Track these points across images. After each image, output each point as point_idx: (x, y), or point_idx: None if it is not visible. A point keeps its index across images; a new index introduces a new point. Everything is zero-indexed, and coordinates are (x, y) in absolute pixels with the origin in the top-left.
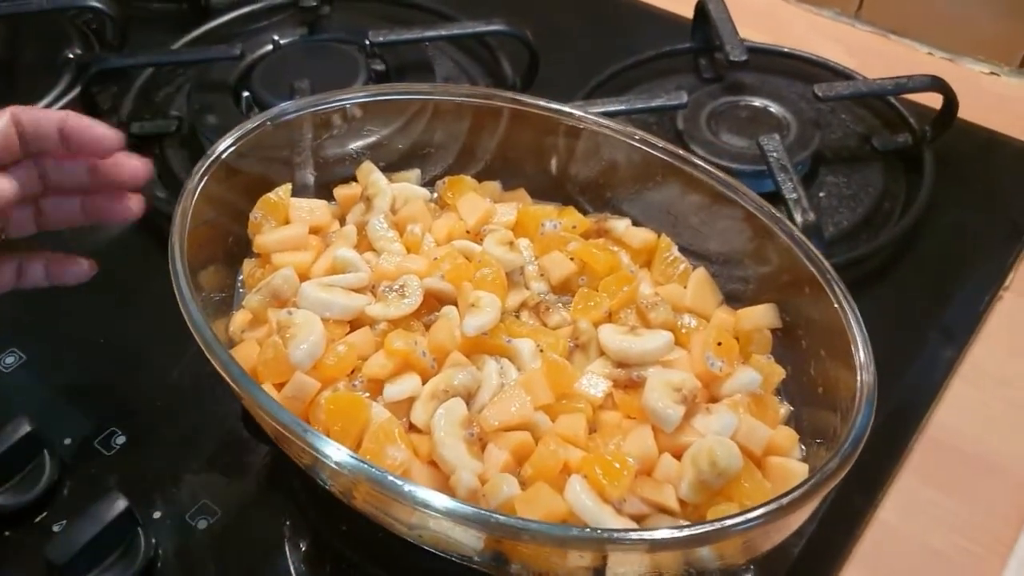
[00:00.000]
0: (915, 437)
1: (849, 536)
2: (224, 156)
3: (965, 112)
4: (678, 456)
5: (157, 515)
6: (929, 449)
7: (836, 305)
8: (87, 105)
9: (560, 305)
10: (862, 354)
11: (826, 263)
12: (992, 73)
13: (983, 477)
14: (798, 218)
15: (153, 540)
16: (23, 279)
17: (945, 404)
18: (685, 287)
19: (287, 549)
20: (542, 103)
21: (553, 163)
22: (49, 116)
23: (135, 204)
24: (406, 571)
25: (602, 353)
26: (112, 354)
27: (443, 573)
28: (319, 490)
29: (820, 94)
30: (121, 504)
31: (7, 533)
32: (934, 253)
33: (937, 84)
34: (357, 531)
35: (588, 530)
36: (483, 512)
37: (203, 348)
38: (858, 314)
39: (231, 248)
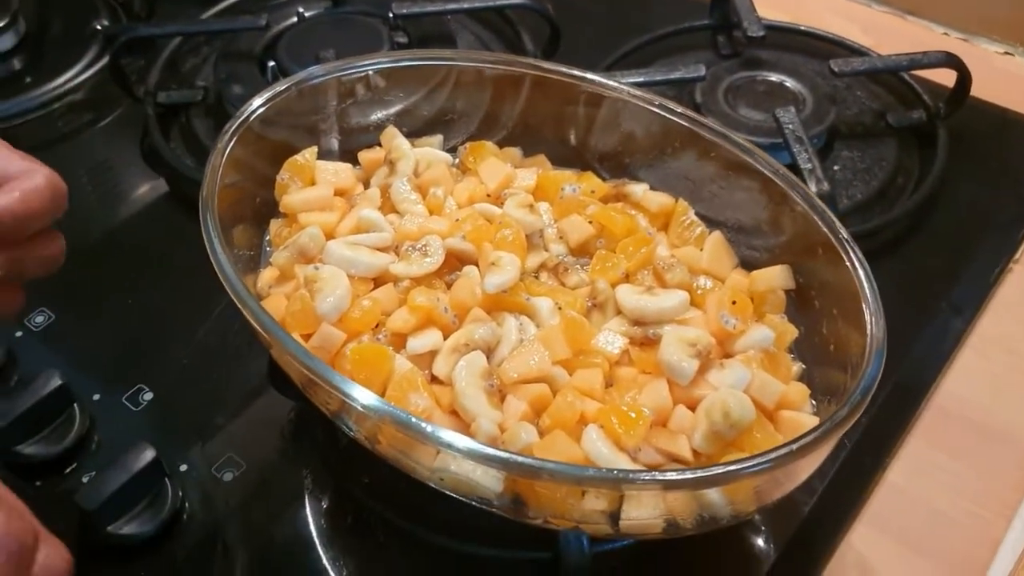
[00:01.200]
0: (923, 404)
1: (858, 496)
2: (254, 117)
3: (979, 90)
4: (692, 409)
5: (184, 467)
6: (937, 416)
7: (848, 264)
8: (116, 74)
9: (578, 266)
10: (872, 309)
11: (839, 224)
12: (1007, 53)
13: (990, 444)
14: (812, 187)
15: (180, 491)
16: None
17: (954, 373)
18: (701, 250)
19: (310, 500)
20: (563, 69)
21: (573, 131)
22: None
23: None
24: (427, 520)
25: (619, 313)
26: (140, 315)
27: (462, 523)
28: (342, 443)
29: (836, 69)
30: (149, 454)
31: (38, 483)
32: (946, 227)
33: (951, 60)
34: (379, 482)
35: (604, 470)
36: (503, 452)
37: (233, 299)
38: (869, 272)
39: (258, 209)
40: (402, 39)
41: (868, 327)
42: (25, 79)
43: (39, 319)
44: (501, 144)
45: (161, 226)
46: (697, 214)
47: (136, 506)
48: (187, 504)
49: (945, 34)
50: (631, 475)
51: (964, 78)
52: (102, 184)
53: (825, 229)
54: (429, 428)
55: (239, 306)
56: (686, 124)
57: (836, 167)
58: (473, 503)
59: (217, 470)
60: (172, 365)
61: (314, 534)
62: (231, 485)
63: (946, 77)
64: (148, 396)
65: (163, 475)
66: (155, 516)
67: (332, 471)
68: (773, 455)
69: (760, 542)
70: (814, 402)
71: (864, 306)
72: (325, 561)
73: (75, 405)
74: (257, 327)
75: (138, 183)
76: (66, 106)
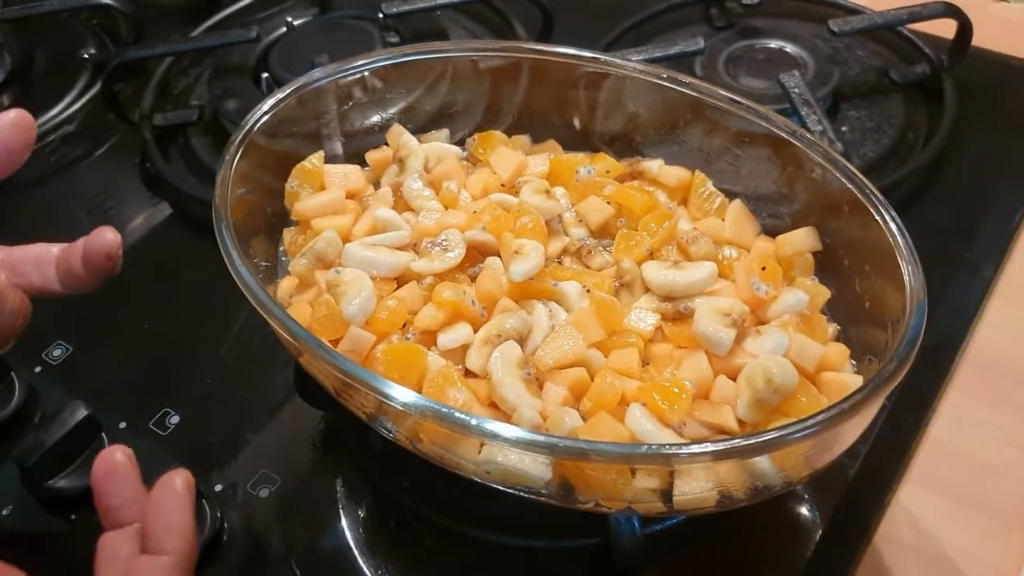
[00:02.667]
0: (959, 356)
1: (903, 455)
2: (259, 126)
3: (978, 40)
4: (733, 378)
5: (219, 488)
6: (973, 368)
7: (877, 217)
8: (109, 100)
9: (601, 248)
10: (908, 262)
11: (865, 180)
12: (1002, 0)
13: None
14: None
15: (218, 512)
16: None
17: (985, 324)
18: (723, 220)
19: (351, 508)
20: (567, 51)
21: (579, 114)
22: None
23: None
24: (471, 517)
25: (647, 290)
26: (157, 338)
27: (508, 517)
28: (376, 449)
29: (836, 29)
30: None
31: (73, 516)
32: (961, 179)
33: (951, 11)
34: (418, 484)
35: (655, 446)
36: (552, 437)
37: (259, 310)
38: (900, 223)
39: (270, 220)
40: (394, 39)
41: (907, 280)
42: None
43: (56, 352)
44: (508, 133)
45: (168, 249)
46: (714, 186)
47: None
48: (226, 525)
49: None
50: (683, 449)
51: (965, 27)
52: (104, 213)
53: (851, 186)
54: (474, 420)
55: (265, 316)
56: (696, 95)
57: (844, 128)
58: (521, 493)
59: (252, 487)
60: (195, 386)
61: (354, 543)
62: (268, 501)
63: (945, 29)
64: (175, 420)
65: (200, 497)
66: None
67: (369, 477)
68: (825, 415)
69: (808, 510)
70: (854, 362)
71: (900, 259)
72: (368, 570)
73: (103, 435)
74: (286, 336)
75: (140, 208)
76: (60, 138)
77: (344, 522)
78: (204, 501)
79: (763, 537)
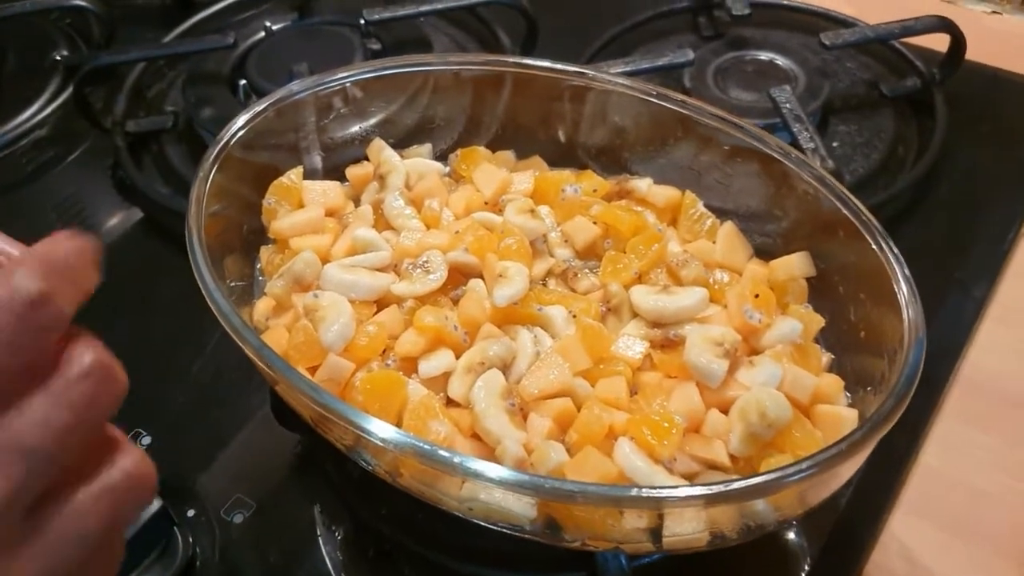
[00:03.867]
0: (951, 379)
1: (895, 482)
2: (235, 140)
3: (971, 53)
4: (725, 411)
5: (191, 513)
6: (966, 391)
7: (874, 245)
8: (80, 106)
9: (587, 270)
10: (905, 291)
11: (859, 203)
12: (994, 12)
13: (1022, 412)
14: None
15: (191, 538)
16: None
17: (978, 345)
18: (714, 242)
19: (327, 536)
20: (549, 64)
21: (564, 129)
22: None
23: None
24: (451, 548)
25: (635, 315)
26: (126, 355)
27: (489, 549)
28: (354, 475)
29: (827, 42)
30: (155, 504)
31: None
32: (953, 195)
33: (944, 24)
34: (397, 512)
35: (646, 489)
36: (538, 478)
37: (232, 335)
38: (896, 251)
39: (246, 238)
40: (375, 46)
41: (905, 313)
42: None
43: None
44: (492, 146)
45: (140, 260)
46: (704, 205)
47: (145, 559)
48: (199, 551)
49: None
50: (674, 492)
51: (958, 41)
52: (75, 221)
53: (846, 212)
54: (456, 459)
55: (240, 344)
56: (686, 112)
57: (835, 143)
58: (504, 530)
59: (227, 513)
60: (167, 406)
61: (333, 572)
62: (243, 527)
63: (937, 42)
64: (146, 441)
65: (171, 524)
66: (167, 568)
67: (347, 504)
68: (822, 456)
69: (800, 539)
70: (848, 393)
71: (897, 291)
72: None
73: None
74: (261, 365)
75: (112, 217)
76: (31, 143)
77: (322, 550)
78: (176, 528)
79: (754, 566)
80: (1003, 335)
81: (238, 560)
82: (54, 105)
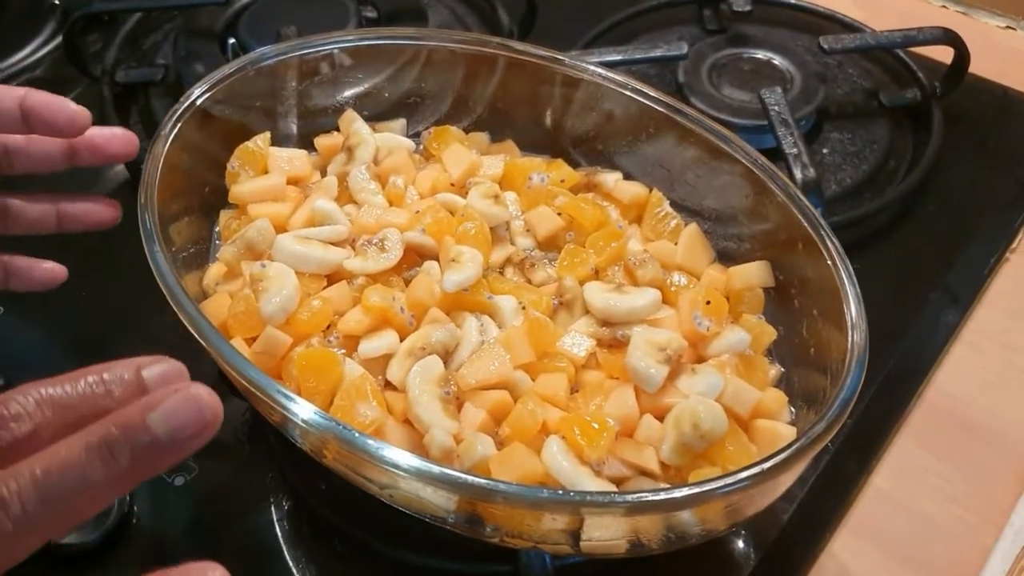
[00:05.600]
0: (913, 401)
1: (841, 502)
2: (199, 102)
3: (978, 67)
4: (661, 418)
5: None
6: (927, 414)
7: (829, 262)
8: (71, 52)
9: (546, 261)
10: (854, 313)
11: (819, 218)
12: (1008, 27)
13: (982, 444)
14: (798, 174)
15: (127, 497)
16: None
17: (946, 368)
18: (676, 244)
19: (264, 507)
20: (533, 50)
21: (546, 113)
22: (9, 92)
23: (111, 210)
24: (386, 530)
25: (587, 311)
26: (92, 309)
27: (423, 533)
28: (297, 448)
29: (826, 47)
30: None
31: None
32: (940, 213)
33: (948, 37)
34: (336, 490)
35: (561, 492)
36: (451, 472)
37: (169, 300)
38: (851, 271)
39: (208, 198)
40: (371, 14)
41: (849, 334)
42: None
43: None
44: (470, 129)
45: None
46: (674, 203)
47: None
48: (135, 509)
49: (943, 7)
50: (589, 498)
51: (962, 55)
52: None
53: (806, 224)
54: (373, 446)
55: (175, 309)
56: (661, 109)
57: (825, 150)
58: (426, 520)
59: (168, 475)
60: None
61: (267, 541)
62: (183, 490)
63: (943, 53)
64: None
65: None
66: (100, 524)
67: (287, 477)
68: (742, 475)
69: (739, 550)
70: (793, 409)
71: (845, 310)
72: (291, 564)
73: None
74: (193, 332)
75: (97, 169)
76: (23, 84)
77: (256, 518)
78: None
79: (690, 574)
80: (973, 361)
81: (175, 522)
82: (48, 48)
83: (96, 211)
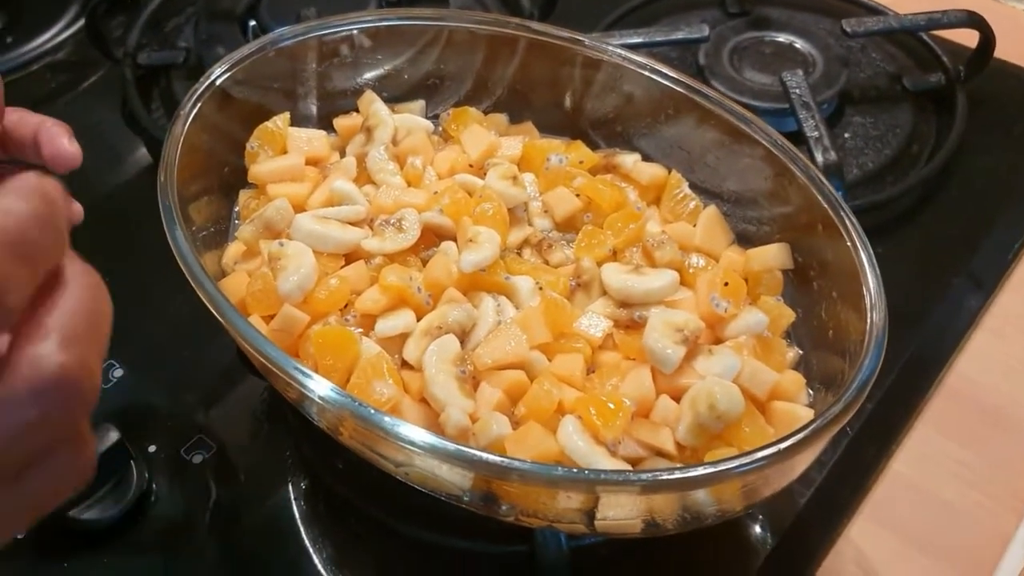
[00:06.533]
0: (934, 387)
1: (859, 488)
2: (219, 82)
3: (1003, 51)
4: (677, 399)
5: (152, 448)
6: (948, 401)
7: (848, 243)
8: (93, 35)
9: (564, 243)
10: (873, 294)
11: (840, 199)
12: None
13: (1003, 430)
14: (819, 157)
15: (146, 473)
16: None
17: (968, 354)
18: (695, 226)
19: (282, 485)
20: (553, 31)
21: (567, 95)
22: (28, 120)
23: (73, 151)
24: (402, 510)
25: (605, 293)
26: (114, 286)
27: (439, 512)
28: (314, 427)
29: (849, 30)
30: (113, 436)
31: None
32: (963, 198)
33: (973, 20)
34: (352, 469)
35: (575, 470)
36: (466, 450)
37: (189, 278)
38: (871, 252)
39: (227, 178)
40: None
41: (868, 315)
42: (6, 39)
43: None
44: (489, 110)
45: (139, 194)
46: (693, 185)
47: (99, 490)
48: (154, 486)
49: None
50: (603, 476)
51: (987, 39)
52: (82, 150)
53: (826, 205)
54: (389, 422)
55: (194, 287)
56: (680, 90)
57: (847, 134)
58: (442, 498)
59: (187, 452)
60: (144, 341)
61: (283, 519)
62: (201, 467)
63: (967, 37)
64: (118, 373)
65: (128, 458)
66: (119, 500)
67: (304, 455)
68: (757, 455)
69: (755, 534)
70: (811, 392)
71: (865, 291)
72: (307, 541)
73: None
74: (212, 309)
75: (120, 149)
76: (46, 67)
77: (273, 496)
78: (132, 462)
79: (704, 558)
80: (994, 347)
81: (193, 498)
82: (72, 30)
83: (62, 155)
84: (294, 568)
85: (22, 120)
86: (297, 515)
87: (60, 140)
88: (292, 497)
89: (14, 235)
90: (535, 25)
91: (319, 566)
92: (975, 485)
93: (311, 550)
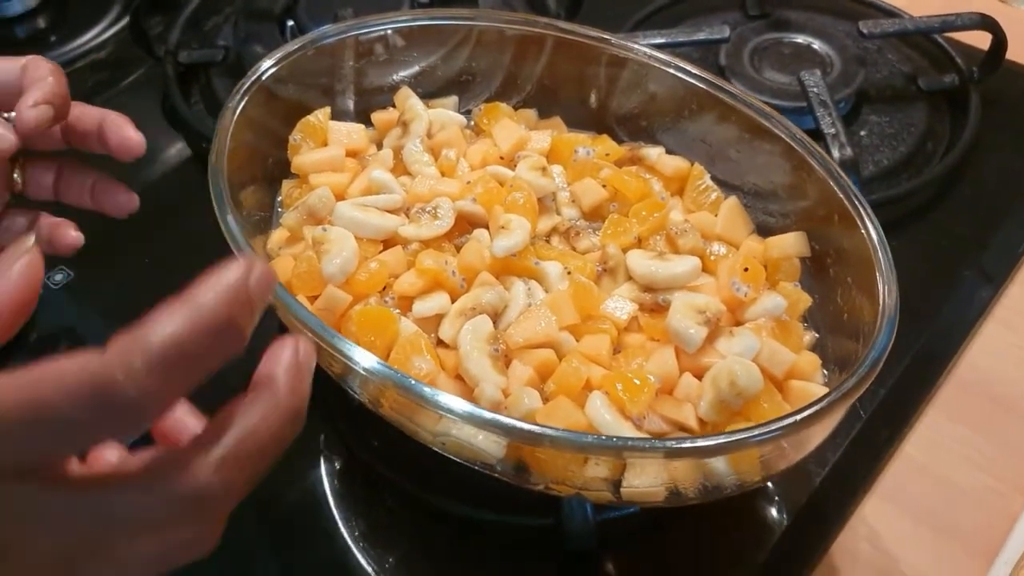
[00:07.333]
0: (945, 375)
1: (872, 468)
2: (265, 77)
3: (1015, 53)
4: (699, 377)
5: None
6: (959, 388)
7: (862, 230)
8: (136, 34)
9: (590, 231)
10: (885, 278)
11: (855, 190)
12: None
13: (1013, 417)
14: (835, 153)
15: None
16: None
17: (977, 345)
18: (716, 215)
19: (320, 462)
20: (581, 30)
21: (592, 92)
22: (89, 113)
23: (129, 200)
24: (433, 485)
25: (630, 279)
26: (156, 273)
27: (468, 488)
28: (352, 405)
29: (865, 31)
30: None
31: None
32: (975, 195)
33: (986, 22)
34: (388, 446)
35: (605, 437)
36: (503, 417)
37: (237, 255)
38: (883, 238)
39: (270, 170)
40: (423, 0)
41: (880, 295)
42: (50, 37)
43: (58, 277)
44: (519, 106)
45: (181, 186)
46: (714, 178)
47: None
48: None
49: None
50: (631, 443)
51: (999, 41)
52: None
53: (840, 193)
54: (429, 392)
55: None
56: (704, 87)
57: (863, 132)
58: (476, 468)
59: None
60: None
61: (325, 495)
62: None
63: (980, 40)
64: None
65: None
66: None
67: (341, 433)
68: (776, 425)
69: (771, 511)
70: (826, 372)
71: (877, 273)
72: (339, 520)
73: None
74: None
75: (160, 143)
76: (89, 65)
77: (312, 473)
78: None
79: (722, 533)
80: (1004, 338)
81: None
82: (115, 29)
83: (121, 201)
84: (328, 539)
85: (84, 113)
86: (332, 490)
87: (127, 130)
88: (331, 473)
89: (168, 353)
90: (563, 24)
91: (349, 541)
92: (984, 468)
93: (342, 523)
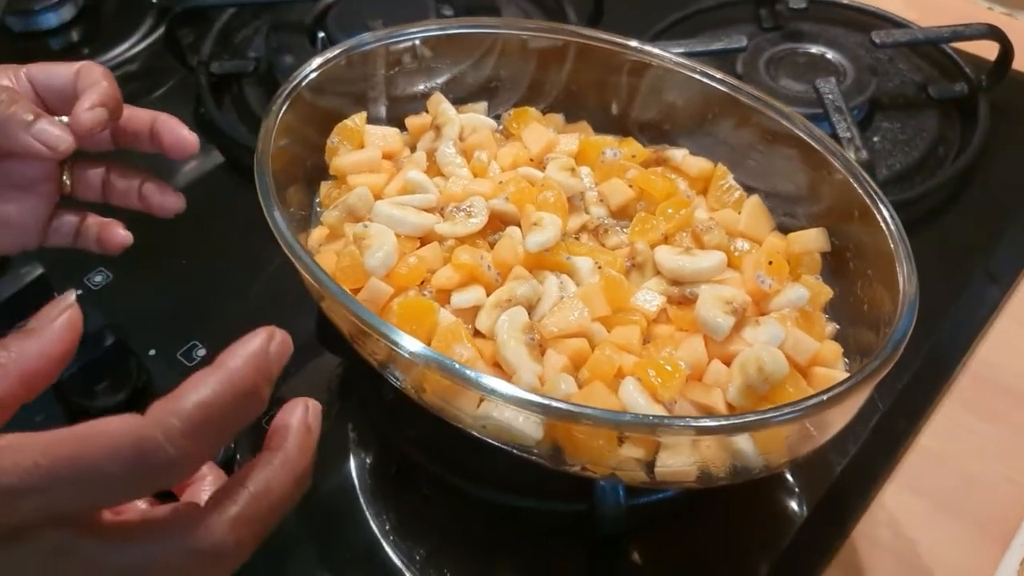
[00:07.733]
0: (959, 369)
1: (890, 458)
2: (306, 82)
3: (1022, 63)
4: (727, 364)
5: None
6: (972, 382)
7: (881, 222)
8: (170, 45)
9: (618, 228)
10: (905, 265)
11: (873, 184)
12: None
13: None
14: (851, 156)
15: (231, 444)
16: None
17: (990, 340)
18: (739, 213)
19: (355, 455)
20: (607, 37)
21: (614, 99)
22: (139, 115)
23: (177, 200)
24: (468, 473)
25: (657, 273)
26: (193, 276)
27: (502, 475)
28: (388, 398)
29: (877, 40)
30: None
31: None
32: (985, 198)
33: (994, 33)
34: (423, 436)
35: (640, 415)
36: (545, 397)
37: (287, 253)
38: (902, 229)
39: (309, 173)
40: (447, 12)
41: (900, 283)
42: (83, 50)
43: (98, 279)
44: (546, 111)
45: (215, 192)
46: (737, 178)
47: None
48: (238, 458)
49: (989, 8)
50: (666, 420)
51: (1007, 50)
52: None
53: (859, 189)
54: (473, 374)
55: (293, 260)
56: (726, 91)
57: (876, 138)
58: (513, 451)
59: (267, 423)
60: (224, 323)
61: (359, 486)
62: None
63: (988, 50)
64: (201, 352)
65: None
66: None
67: (377, 425)
68: (803, 404)
69: (792, 500)
70: (847, 360)
71: (896, 263)
72: (369, 514)
73: (131, 360)
74: (310, 280)
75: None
76: (123, 76)
77: (350, 465)
78: None
79: (745, 521)
80: (1016, 333)
81: None
82: (147, 42)
83: (169, 201)
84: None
85: (134, 115)
86: (368, 479)
87: (180, 129)
88: (367, 462)
89: (202, 416)
90: (591, 32)
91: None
92: (1000, 458)
93: (373, 516)
